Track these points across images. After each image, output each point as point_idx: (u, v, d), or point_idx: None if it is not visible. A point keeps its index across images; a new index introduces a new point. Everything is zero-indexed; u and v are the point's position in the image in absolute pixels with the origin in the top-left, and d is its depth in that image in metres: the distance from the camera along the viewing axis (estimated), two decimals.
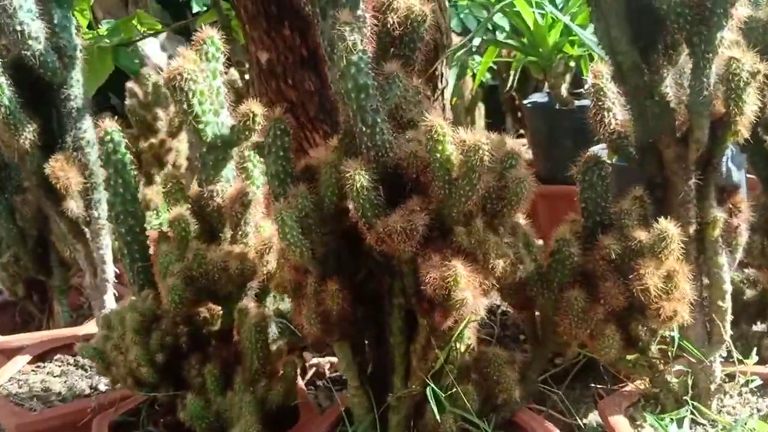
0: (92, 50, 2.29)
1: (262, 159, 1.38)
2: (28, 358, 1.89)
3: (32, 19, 1.55)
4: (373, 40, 1.23)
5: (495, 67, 3.63)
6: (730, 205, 1.30)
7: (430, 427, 1.33)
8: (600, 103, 1.32)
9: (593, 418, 1.66)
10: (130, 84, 2.90)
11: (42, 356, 1.91)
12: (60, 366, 1.89)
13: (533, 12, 2.39)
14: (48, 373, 1.86)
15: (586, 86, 1.35)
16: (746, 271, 1.68)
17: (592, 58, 2.46)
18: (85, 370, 1.85)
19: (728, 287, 1.32)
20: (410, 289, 1.22)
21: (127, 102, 2.86)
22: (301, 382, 1.60)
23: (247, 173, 1.51)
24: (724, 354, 1.42)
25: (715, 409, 1.38)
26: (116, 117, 1.51)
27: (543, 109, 2.66)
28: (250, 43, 2.00)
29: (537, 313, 1.37)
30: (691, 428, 1.35)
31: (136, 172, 1.45)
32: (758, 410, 1.40)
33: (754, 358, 1.46)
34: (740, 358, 1.41)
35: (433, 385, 1.29)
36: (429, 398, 1.29)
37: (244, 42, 2.06)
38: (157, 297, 1.43)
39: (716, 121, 1.21)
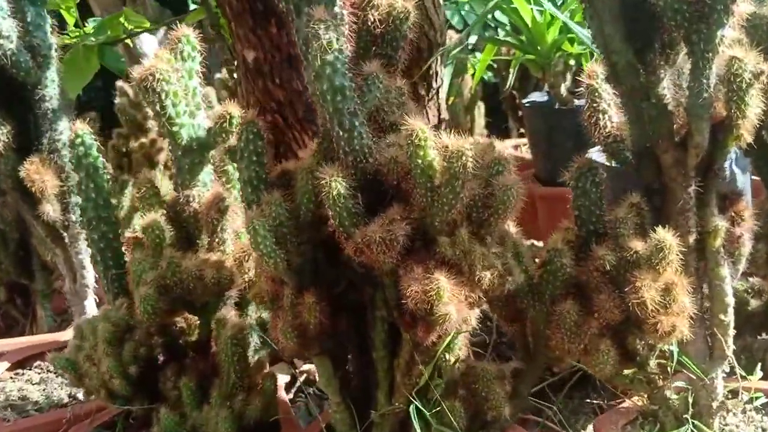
0: (78, 49, 2.23)
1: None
2: (6, 364, 1.83)
3: (3, 17, 1.49)
4: (353, 38, 1.17)
5: (495, 65, 3.56)
6: (733, 214, 1.23)
7: None
8: (595, 105, 1.24)
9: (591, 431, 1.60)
10: (120, 83, 2.83)
11: (22, 363, 1.86)
12: (39, 373, 1.84)
13: (531, 9, 2.32)
14: (27, 381, 1.80)
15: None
16: (751, 279, 1.61)
17: (592, 57, 2.38)
18: (65, 378, 1.79)
19: (730, 300, 1.25)
20: (392, 301, 1.15)
21: (117, 101, 2.80)
22: (284, 395, 1.54)
23: (227, 177, 1.44)
24: (727, 369, 1.35)
25: (717, 427, 1.31)
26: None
27: (542, 109, 2.58)
28: (236, 42, 1.93)
29: (528, 326, 1.30)
30: None
31: (108, 176, 1.38)
32: (763, 429, 1.33)
33: (759, 373, 1.39)
34: (743, 374, 1.33)
35: (417, 403, 1.22)
36: (413, 416, 1.22)
37: (231, 40, 1.99)
38: (131, 306, 1.36)
39: (717, 124, 1.14)
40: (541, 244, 2.52)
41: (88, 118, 2.16)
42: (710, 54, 1.06)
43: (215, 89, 3.40)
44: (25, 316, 2.13)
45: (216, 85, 3.44)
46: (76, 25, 2.40)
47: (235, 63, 2.11)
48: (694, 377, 1.29)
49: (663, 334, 1.16)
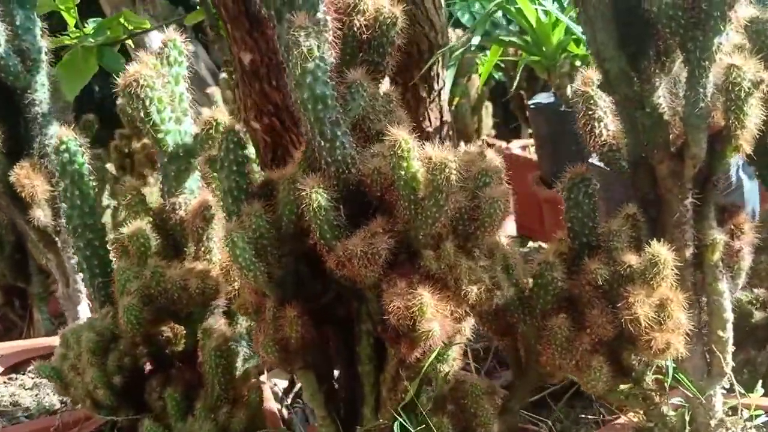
0: (76, 50, 2.20)
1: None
2: (0, 369, 1.82)
3: None
4: (338, 44, 1.14)
5: (504, 65, 3.52)
6: (732, 226, 1.19)
7: None
8: (590, 113, 1.20)
9: None
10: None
11: (15, 367, 1.85)
12: (33, 378, 1.82)
13: (536, 9, 2.27)
14: (20, 386, 1.79)
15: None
16: (756, 290, 1.56)
17: None
18: None
19: (729, 315, 1.20)
20: (376, 315, 1.12)
21: (119, 101, 2.79)
22: (272, 405, 1.51)
23: (215, 184, 1.41)
24: (727, 385, 1.31)
25: None
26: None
27: (547, 110, 2.53)
28: (232, 44, 1.90)
29: (520, 340, 1.27)
30: None
31: (94, 183, 1.35)
32: None
33: (759, 390, 1.34)
34: (742, 391, 1.29)
35: (403, 419, 1.19)
36: None
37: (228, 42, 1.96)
38: (116, 315, 1.34)
39: (715, 134, 1.10)
40: (547, 246, 2.48)
41: (84, 121, 2.16)
42: (707, 62, 1.02)
43: (220, 89, 3.39)
44: (23, 319, 2.13)
45: (221, 85, 3.42)
46: (76, 26, 2.38)
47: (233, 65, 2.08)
48: (691, 395, 1.26)
49: (657, 351, 1.12)
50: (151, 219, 1.36)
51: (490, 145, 3.65)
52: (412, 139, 1.01)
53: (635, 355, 1.20)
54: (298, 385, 1.83)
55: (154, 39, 3.46)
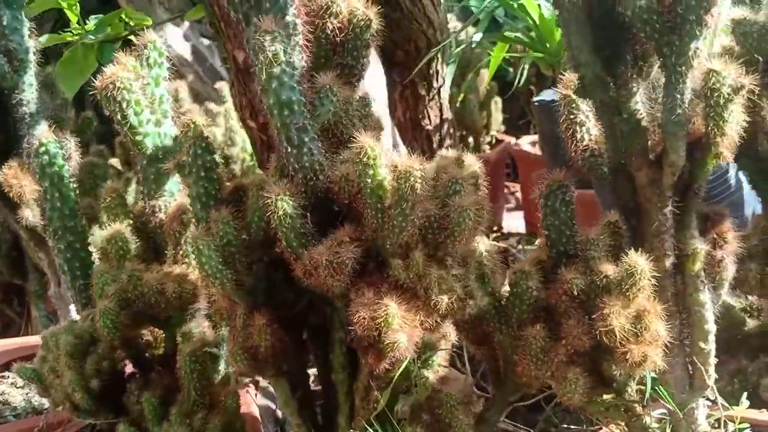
0: (76, 47, 2.20)
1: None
2: None
3: None
4: (312, 47, 1.12)
5: (512, 61, 3.47)
6: (715, 236, 1.15)
7: None
8: (571, 117, 1.17)
9: None
10: None
11: (8, 365, 1.85)
12: None
13: (538, 5, 2.24)
14: (11, 384, 1.80)
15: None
16: (750, 297, 1.52)
17: None
18: None
19: (711, 327, 1.17)
20: (346, 325, 1.10)
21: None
22: (255, 410, 1.50)
23: None
24: (712, 397, 1.28)
25: None
26: None
27: (551, 108, 2.49)
28: (226, 42, 1.89)
29: (497, 349, 1.24)
30: None
31: (75, 185, 1.35)
32: None
33: (745, 402, 1.31)
34: (725, 404, 1.26)
35: (376, 429, 1.18)
36: None
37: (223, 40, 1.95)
38: (95, 318, 1.34)
39: (695, 141, 1.06)
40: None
41: (83, 118, 2.17)
42: (683, 68, 0.99)
43: (228, 84, 3.38)
44: (21, 317, 2.14)
45: (228, 80, 3.41)
46: (79, 23, 2.38)
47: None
48: (671, 407, 1.23)
49: (633, 364, 1.09)
50: (131, 222, 1.35)
51: (498, 141, 3.62)
52: (379, 146, 0.99)
53: (615, 366, 1.17)
54: None
55: (171, 34, 3.47)
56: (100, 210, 1.47)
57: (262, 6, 1.02)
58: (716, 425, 1.29)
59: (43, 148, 1.32)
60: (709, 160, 1.07)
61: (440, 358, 1.47)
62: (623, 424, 1.28)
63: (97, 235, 1.37)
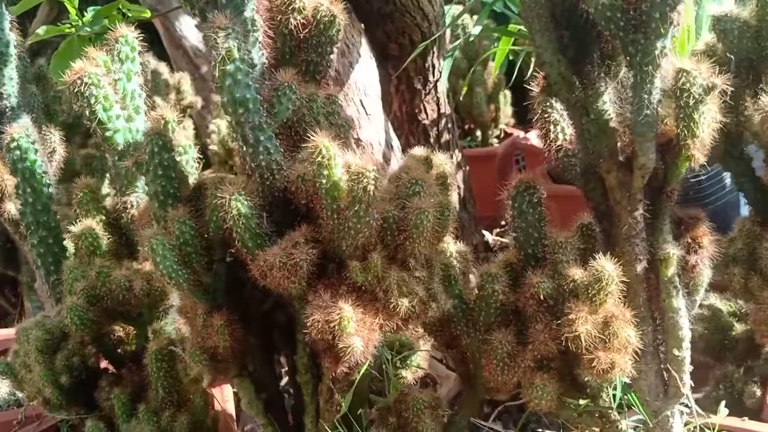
0: (72, 39, 2.20)
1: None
2: None
3: None
4: (277, 43, 1.10)
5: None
6: (689, 240, 1.11)
7: None
8: (545, 116, 1.14)
9: None
10: None
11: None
12: None
13: None
14: None
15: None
16: (740, 301, 1.48)
17: None
18: None
19: (685, 333, 1.13)
20: (304, 328, 1.08)
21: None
22: (231, 409, 1.49)
23: None
24: (691, 404, 1.24)
25: None
26: None
27: None
28: None
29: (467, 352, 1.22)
30: None
31: (49, 181, 1.34)
32: None
33: (724, 411, 1.27)
34: (700, 411, 1.22)
35: (341, 430, 1.16)
36: None
37: None
38: None
39: (666, 143, 1.02)
40: None
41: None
42: (650, 67, 0.95)
43: None
44: (15, 307, 2.15)
45: None
46: (78, 15, 2.38)
47: None
48: (645, 415, 1.19)
49: (601, 372, 1.06)
50: (103, 217, 1.34)
51: (507, 134, 3.56)
52: (334, 145, 0.96)
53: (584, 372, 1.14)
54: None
55: (185, 24, 3.45)
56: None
57: (218, 2, 1.00)
58: None
59: (14, 143, 1.31)
60: (681, 163, 1.03)
61: (420, 358, 1.46)
62: (598, 430, 1.25)
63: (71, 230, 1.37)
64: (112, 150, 1.31)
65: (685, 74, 0.95)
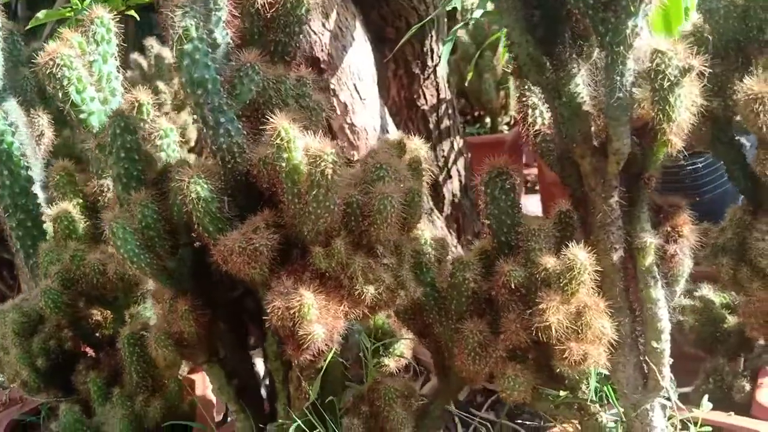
0: (72, 22, 2.19)
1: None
2: None
3: None
4: (243, 22, 1.07)
5: None
6: (669, 229, 1.07)
7: None
8: (523, 99, 1.10)
9: None
10: (134, 56, 2.81)
11: None
12: None
13: None
14: None
15: None
16: (734, 293, 1.43)
17: None
18: None
19: (665, 325, 1.09)
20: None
21: (129, 74, 2.78)
22: (211, 394, 1.47)
23: None
24: (673, 397, 1.20)
25: None
26: None
27: None
28: None
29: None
30: None
31: (28, 163, 1.33)
32: None
33: (707, 405, 1.23)
34: (680, 405, 1.18)
35: (315, 419, 1.14)
36: None
37: None
38: None
39: (641, 127, 0.98)
40: None
41: None
42: (621, 47, 0.91)
43: None
44: (12, 290, 2.16)
45: None
46: None
47: None
48: (621, 407, 1.16)
49: (573, 363, 1.03)
50: (80, 200, 1.33)
51: (518, 122, 3.51)
52: (295, 127, 0.93)
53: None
54: None
55: None
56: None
57: None
58: (680, 427, 1.22)
59: None
60: (657, 148, 0.98)
61: (404, 347, 1.44)
62: (577, 422, 1.22)
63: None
64: (87, 132, 1.29)
65: (659, 55, 0.91)
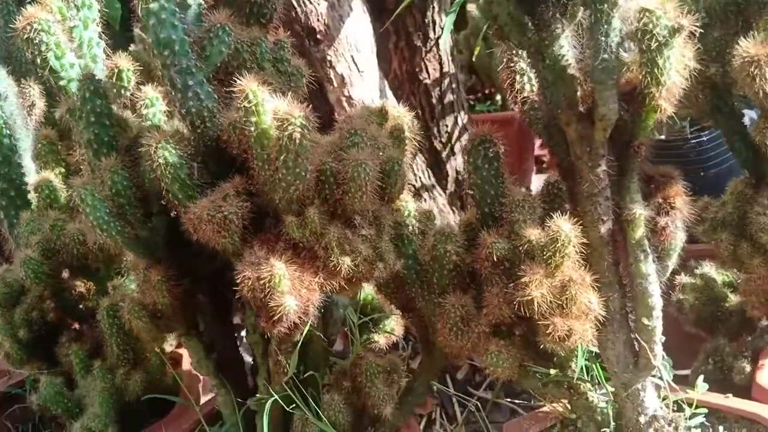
0: None
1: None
2: None
3: None
4: None
5: None
6: (660, 200, 1.02)
7: None
8: (511, 65, 1.06)
9: None
10: (138, 30, 2.78)
11: None
12: None
13: None
14: None
15: None
16: (736, 271, 1.37)
17: None
18: None
19: (656, 301, 1.04)
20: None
21: (132, 48, 2.75)
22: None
23: None
24: (669, 378, 1.16)
25: None
26: None
27: None
28: None
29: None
30: None
31: (10, 132, 1.31)
32: None
33: (703, 386, 1.18)
34: (674, 385, 1.14)
35: (296, 395, 1.11)
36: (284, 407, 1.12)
37: None
38: None
39: (629, 92, 0.93)
40: None
41: None
42: (605, 5, 0.86)
43: None
44: (9, 262, 2.15)
45: None
46: None
47: None
48: (612, 387, 1.12)
49: (557, 339, 0.98)
50: (63, 170, 1.31)
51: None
52: (263, 89, 0.90)
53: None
54: None
55: None
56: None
57: None
58: (675, 409, 1.18)
59: None
60: (647, 114, 0.93)
61: (394, 323, 1.40)
62: (566, 402, 1.18)
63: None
64: (66, 99, 1.26)
65: (647, 14, 0.86)
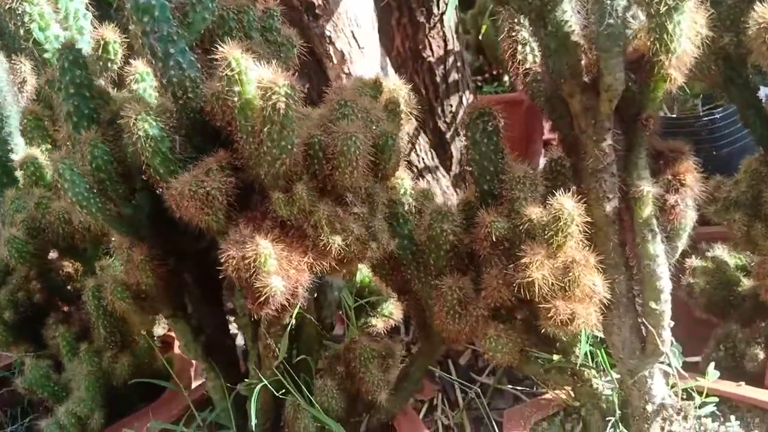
0: None
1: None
2: None
3: None
4: None
5: None
6: (670, 177, 0.96)
7: (289, 422, 1.11)
8: (513, 34, 1.00)
9: None
10: None
11: None
12: None
13: None
14: None
15: None
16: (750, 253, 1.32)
17: None
18: None
19: (664, 284, 0.99)
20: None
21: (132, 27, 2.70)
22: None
23: None
24: (678, 365, 1.11)
25: None
26: None
27: None
28: None
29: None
30: None
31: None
32: None
33: (714, 374, 1.13)
34: (683, 372, 1.09)
35: (287, 380, 1.07)
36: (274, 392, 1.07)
37: None
38: None
39: (636, 60, 0.88)
40: None
41: None
42: None
43: None
44: None
45: None
46: None
47: None
48: (617, 374, 1.07)
49: (560, 323, 0.93)
50: (49, 146, 1.26)
51: None
52: (247, 57, 0.84)
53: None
54: None
55: None
56: None
57: None
58: (684, 397, 1.13)
59: None
60: (656, 84, 0.88)
61: (392, 306, 1.35)
62: (569, 388, 1.13)
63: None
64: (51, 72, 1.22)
65: None
